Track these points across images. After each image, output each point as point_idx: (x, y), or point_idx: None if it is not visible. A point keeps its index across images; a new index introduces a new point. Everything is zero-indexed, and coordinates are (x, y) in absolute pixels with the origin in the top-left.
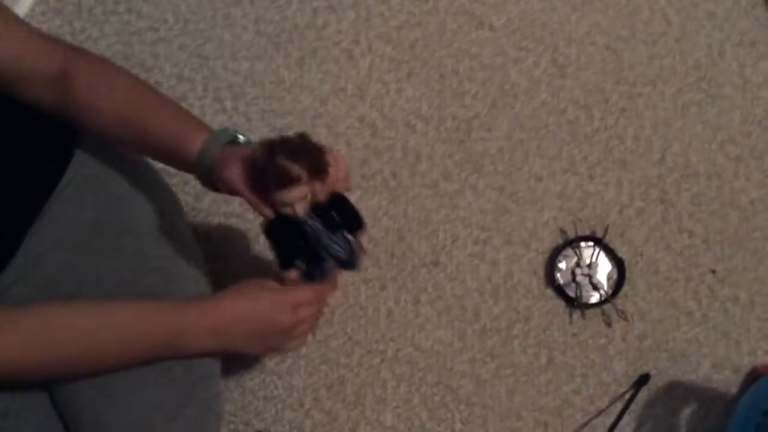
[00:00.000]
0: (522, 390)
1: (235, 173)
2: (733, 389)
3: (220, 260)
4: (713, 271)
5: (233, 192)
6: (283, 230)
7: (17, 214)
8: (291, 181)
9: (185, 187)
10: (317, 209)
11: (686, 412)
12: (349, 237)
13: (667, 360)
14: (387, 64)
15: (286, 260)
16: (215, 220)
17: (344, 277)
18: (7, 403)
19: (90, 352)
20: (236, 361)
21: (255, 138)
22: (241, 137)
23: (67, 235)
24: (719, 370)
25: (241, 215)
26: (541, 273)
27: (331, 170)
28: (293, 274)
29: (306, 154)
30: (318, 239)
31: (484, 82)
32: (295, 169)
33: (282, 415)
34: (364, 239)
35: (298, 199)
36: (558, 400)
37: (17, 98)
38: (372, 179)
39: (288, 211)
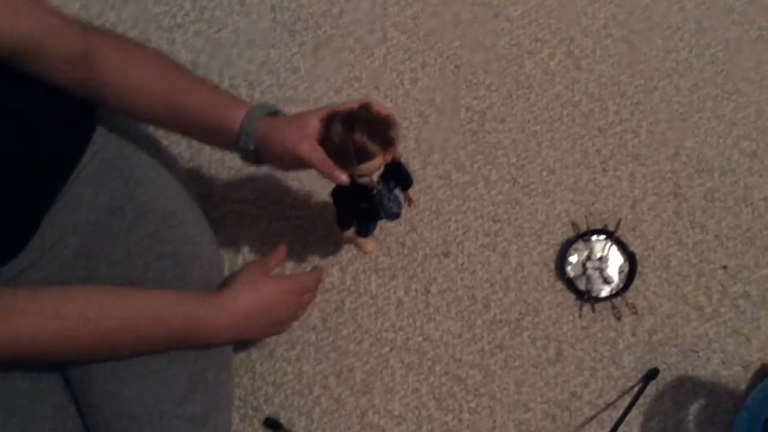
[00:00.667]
0: (530, 382)
1: (306, 146)
2: (743, 386)
3: (233, 247)
4: (725, 267)
5: (289, 165)
6: (354, 196)
7: (35, 197)
8: (370, 156)
9: (199, 173)
10: (383, 175)
11: (695, 408)
12: (400, 194)
13: (677, 355)
14: (402, 54)
15: (345, 221)
16: (228, 206)
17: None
18: (22, 385)
19: (105, 339)
20: (246, 347)
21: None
22: (276, 108)
23: (84, 219)
24: (729, 366)
25: (253, 202)
26: (551, 265)
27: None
28: (351, 231)
29: (379, 128)
30: (381, 201)
31: (498, 73)
32: (373, 145)
33: (291, 401)
34: (412, 194)
35: (375, 170)
36: (566, 392)
37: (36, 77)
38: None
39: (365, 180)
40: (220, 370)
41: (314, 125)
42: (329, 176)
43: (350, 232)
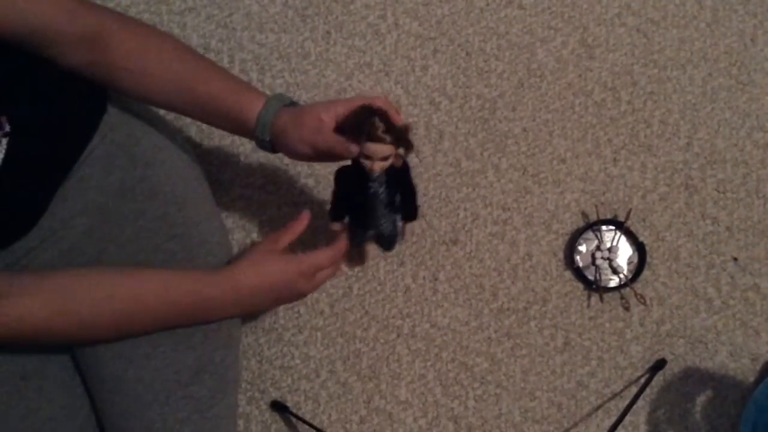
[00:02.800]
0: (537, 370)
1: (321, 139)
2: (750, 378)
3: (242, 231)
4: (735, 259)
5: (303, 157)
6: (354, 181)
7: (45, 177)
8: (379, 138)
9: (208, 157)
10: (387, 179)
11: (701, 399)
12: (399, 222)
13: (685, 346)
14: (413, 41)
15: (338, 211)
16: (237, 191)
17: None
18: (30, 365)
19: (111, 318)
20: (255, 331)
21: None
22: (292, 100)
23: (94, 200)
24: (737, 358)
25: (262, 187)
26: (560, 255)
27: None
28: (336, 226)
29: (395, 126)
30: (374, 206)
31: (510, 61)
32: (386, 132)
33: (298, 386)
34: (410, 231)
35: (380, 156)
36: (572, 382)
37: (49, 59)
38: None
39: (367, 163)
40: (227, 353)
41: (329, 124)
42: (341, 151)
43: (336, 225)
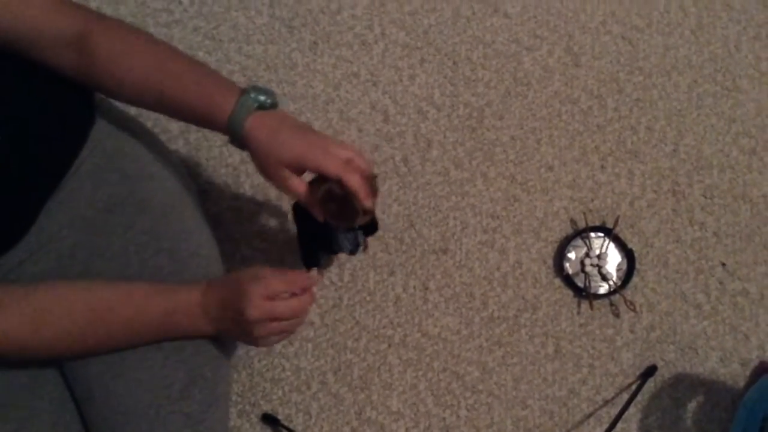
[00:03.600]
0: (528, 379)
1: (277, 181)
2: (741, 383)
3: (231, 243)
4: (723, 264)
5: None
6: (313, 222)
7: (33, 191)
8: (354, 225)
9: (197, 169)
10: None
11: (692, 405)
12: (361, 238)
13: (675, 352)
14: (400, 50)
15: (309, 254)
16: (225, 202)
17: (352, 262)
18: (20, 379)
19: (87, 331)
20: (244, 344)
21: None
22: (267, 100)
23: (82, 213)
24: (727, 363)
25: (251, 199)
26: (550, 262)
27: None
28: (313, 273)
29: (367, 207)
30: (337, 234)
31: (497, 69)
32: (362, 214)
33: (289, 398)
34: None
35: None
36: (564, 389)
37: (38, 62)
38: (383, 165)
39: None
40: (218, 367)
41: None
42: (285, 187)
43: (314, 273)
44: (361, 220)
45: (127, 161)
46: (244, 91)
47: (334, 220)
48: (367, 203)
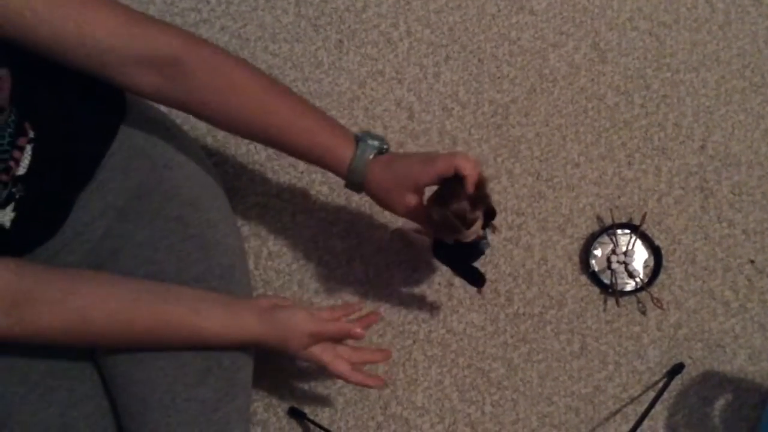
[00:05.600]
0: (554, 375)
1: (403, 208)
2: None
3: (257, 239)
4: (752, 262)
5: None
6: (461, 251)
7: (69, 182)
8: (473, 221)
9: (224, 165)
10: None
11: (720, 403)
12: (488, 235)
13: (702, 350)
14: (425, 48)
15: (475, 275)
16: (252, 199)
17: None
18: (63, 364)
19: (130, 340)
20: None
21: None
22: (382, 146)
23: (113, 203)
24: (755, 361)
25: (277, 195)
26: (576, 259)
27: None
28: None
29: (481, 197)
30: (479, 246)
31: (522, 66)
32: (473, 212)
33: (315, 392)
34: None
35: (479, 226)
36: (590, 386)
37: (120, 84)
38: (415, 152)
39: (473, 238)
40: (237, 356)
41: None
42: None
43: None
44: (473, 212)
45: (156, 150)
46: (358, 140)
47: (447, 222)
48: (470, 189)
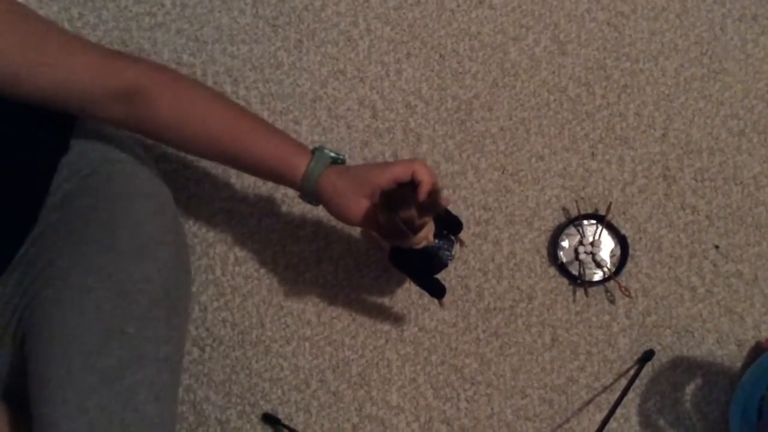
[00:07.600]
0: (526, 368)
1: (358, 214)
2: (738, 364)
3: (223, 245)
4: (716, 247)
5: (352, 224)
6: (415, 257)
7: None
8: (420, 227)
9: (187, 171)
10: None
11: (691, 388)
12: (451, 236)
13: (671, 336)
14: (386, 45)
15: (434, 285)
16: (217, 204)
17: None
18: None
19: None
20: (242, 345)
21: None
22: (338, 157)
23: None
24: (723, 345)
25: (242, 200)
26: (544, 252)
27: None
28: (444, 299)
29: (431, 204)
30: (437, 254)
31: (484, 61)
32: (421, 218)
33: (288, 397)
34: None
35: (429, 232)
36: (562, 377)
37: (91, 117)
38: (373, 161)
39: (424, 244)
40: (143, 325)
41: (366, 198)
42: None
43: (445, 299)
44: (421, 218)
45: (103, 185)
46: (314, 151)
47: (394, 226)
48: (423, 196)
